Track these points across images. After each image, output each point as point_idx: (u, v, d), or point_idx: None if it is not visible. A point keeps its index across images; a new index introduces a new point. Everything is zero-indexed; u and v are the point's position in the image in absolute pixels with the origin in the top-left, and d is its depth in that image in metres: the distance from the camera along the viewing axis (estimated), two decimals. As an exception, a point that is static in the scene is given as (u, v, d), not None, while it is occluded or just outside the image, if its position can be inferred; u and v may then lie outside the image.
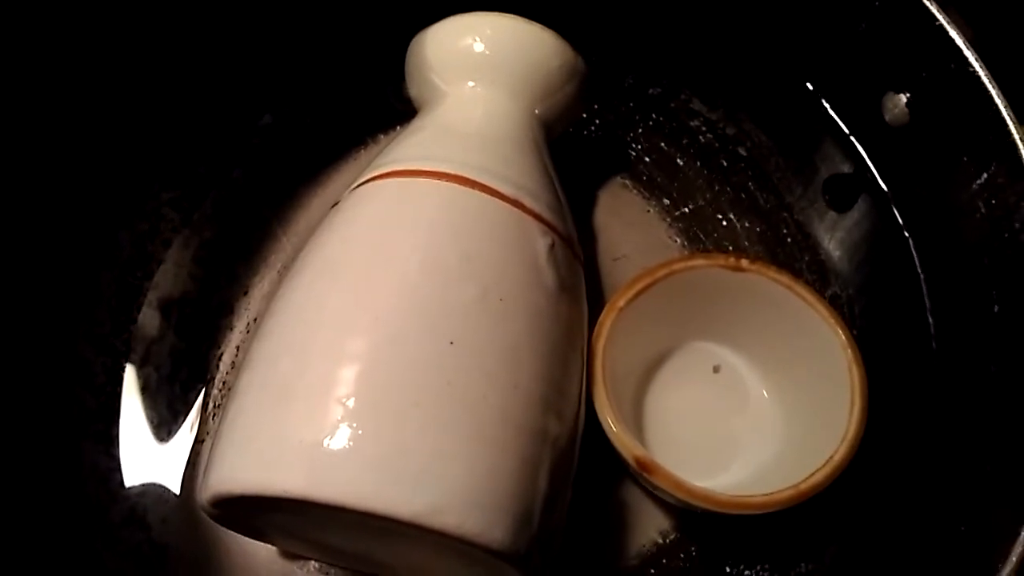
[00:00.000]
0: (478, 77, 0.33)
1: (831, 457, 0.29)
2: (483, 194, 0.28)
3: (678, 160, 0.39)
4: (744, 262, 0.32)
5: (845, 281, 0.36)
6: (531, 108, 0.34)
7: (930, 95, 0.31)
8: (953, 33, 0.28)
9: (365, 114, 0.39)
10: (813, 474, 0.28)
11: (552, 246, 0.29)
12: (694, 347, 0.35)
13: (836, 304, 0.36)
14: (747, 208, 0.38)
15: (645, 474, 0.28)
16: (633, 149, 0.40)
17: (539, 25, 0.33)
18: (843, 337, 0.30)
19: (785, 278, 0.32)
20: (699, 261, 0.32)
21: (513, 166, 0.31)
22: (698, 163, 0.39)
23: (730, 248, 0.38)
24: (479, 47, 0.33)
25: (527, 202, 0.29)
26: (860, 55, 0.34)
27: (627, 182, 0.39)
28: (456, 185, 0.28)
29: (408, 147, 0.31)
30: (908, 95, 0.32)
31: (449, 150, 0.30)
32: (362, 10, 0.39)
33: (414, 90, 0.35)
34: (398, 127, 0.38)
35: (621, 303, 0.31)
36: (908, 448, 0.33)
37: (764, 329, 0.33)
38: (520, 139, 0.32)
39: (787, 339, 0.32)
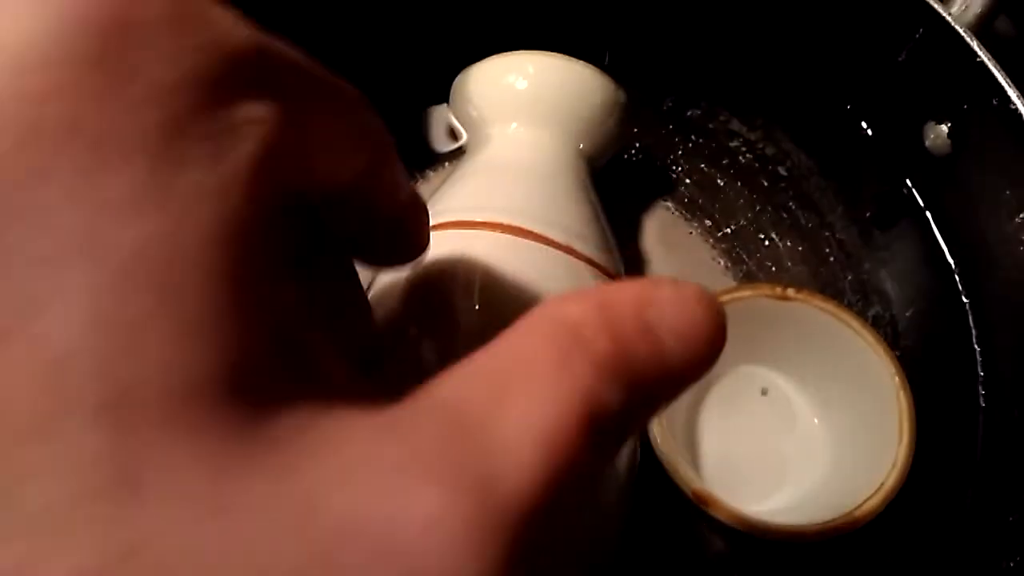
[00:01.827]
0: (522, 117, 0.34)
1: (882, 484, 0.30)
2: (538, 244, 0.29)
3: (719, 181, 0.40)
4: (790, 291, 0.33)
5: (888, 301, 0.37)
6: (576, 145, 0.34)
7: (972, 128, 0.31)
8: (994, 70, 0.28)
9: (413, 151, 0.40)
10: (866, 501, 0.29)
11: (604, 290, 0.30)
12: (742, 371, 0.36)
13: (879, 325, 0.36)
14: (789, 227, 0.39)
15: (703, 507, 0.30)
16: (673, 171, 0.40)
17: (581, 62, 0.34)
18: (891, 365, 0.31)
19: (831, 306, 0.33)
20: (745, 292, 0.33)
21: (562, 209, 0.32)
22: (739, 183, 0.40)
23: (773, 268, 0.39)
24: (522, 86, 0.34)
25: (578, 247, 0.30)
26: (900, 83, 0.35)
27: (668, 204, 0.40)
28: (511, 236, 0.29)
29: (461, 196, 0.32)
30: (949, 125, 0.32)
31: (501, 198, 0.31)
32: (405, 46, 0.40)
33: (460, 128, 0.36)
34: (447, 163, 0.39)
35: (671, 337, 0.32)
36: (954, 472, 0.33)
37: (811, 355, 0.34)
38: (567, 178, 0.33)
39: (835, 365, 0.33)
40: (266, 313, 0.10)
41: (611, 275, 0.31)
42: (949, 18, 0.29)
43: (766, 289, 0.33)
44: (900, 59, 0.33)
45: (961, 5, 0.29)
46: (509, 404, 0.10)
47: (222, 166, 0.10)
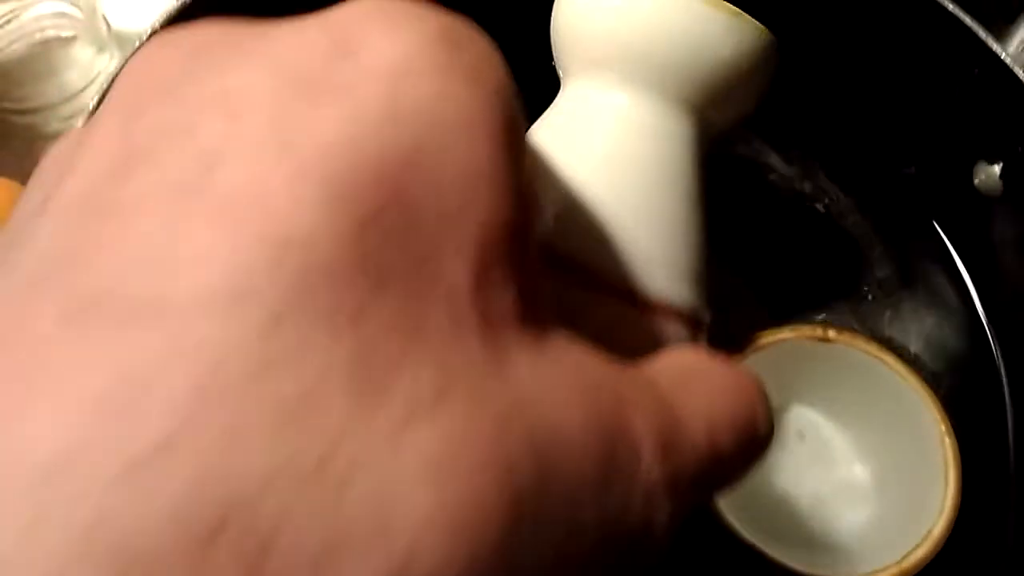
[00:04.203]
0: (605, 70, 0.24)
1: (930, 531, 0.29)
2: (588, 293, 0.22)
3: (752, 215, 0.39)
4: (831, 333, 0.32)
5: (927, 344, 0.36)
6: (682, 120, 0.24)
7: (1027, 171, 0.31)
8: (1054, 112, 0.28)
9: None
10: (914, 550, 0.29)
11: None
12: (778, 414, 0.35)
13: (919, 365, 0.36)
14: (825, 265, 0.38)
15: (743, 554, 0.29)
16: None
17: None
18: (935, 410, 0.31)
19: (874, 348, 0.32)
20: (786, 335, 0.32)
21: (641, 227, 0.23)
22: (774, 218, 0.39)
23: (807, 307, 0.38)
24: (611, 23, 0.24)
25: (660, 298, 0.23)
26: (949, 123, 0.34)
27: (701, 237, 0.39)
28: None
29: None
30: (1001, 166, 0.31)
31: (548, 199, 0.21)
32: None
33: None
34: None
35: (711, 378, 0.31)
36: (994, 520, 0.33)
37: (852, 397, 0.33)
38: (660, 174, 0.24)
39: (876, 408, 0.32)
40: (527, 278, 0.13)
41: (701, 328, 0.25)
42: (1007, 59, 0.28)
43: (807, 331, 0.32)
44: (952, 98, 0.32)
45: (1019, 45, 0.28)
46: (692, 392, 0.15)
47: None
